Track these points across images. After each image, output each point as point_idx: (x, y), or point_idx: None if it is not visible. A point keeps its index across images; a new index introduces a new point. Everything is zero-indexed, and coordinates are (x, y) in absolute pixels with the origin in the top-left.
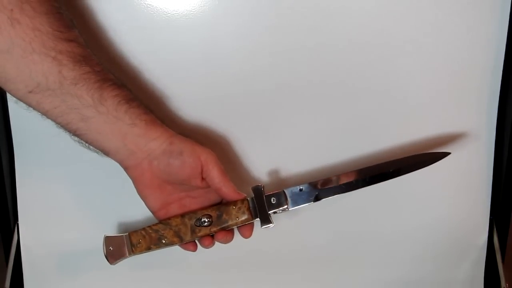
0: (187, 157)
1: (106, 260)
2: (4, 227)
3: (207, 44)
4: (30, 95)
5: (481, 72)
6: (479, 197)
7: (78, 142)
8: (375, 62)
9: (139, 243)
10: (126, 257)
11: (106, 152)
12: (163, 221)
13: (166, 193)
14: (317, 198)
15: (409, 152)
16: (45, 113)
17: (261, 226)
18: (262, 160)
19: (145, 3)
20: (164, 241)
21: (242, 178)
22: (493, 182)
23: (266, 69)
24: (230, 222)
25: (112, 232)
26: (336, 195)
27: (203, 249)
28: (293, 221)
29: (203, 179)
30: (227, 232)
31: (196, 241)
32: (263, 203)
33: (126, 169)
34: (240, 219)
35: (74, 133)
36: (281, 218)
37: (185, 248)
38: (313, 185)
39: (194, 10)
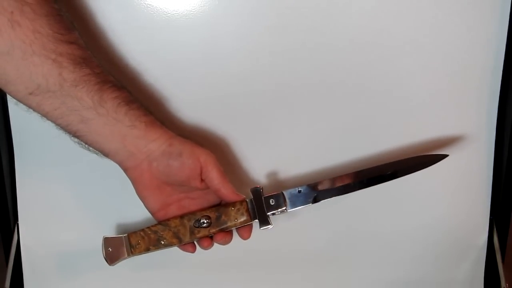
0: (187, 159)
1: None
2: (4, 227)
3: (207, 44)
4: (30, 97)
5: (481, 72)
6: (479, 197)
7: (78, 143)
8: (374, 62)
9: (138, 244)
10: (125, 258)
11: (105, 154)
12: (162, 222)
13: (165, 194)
14: (315, 200)
15: (409, 153)
16: (45, 115)
17: (260, 228)
18: (261, 162)
19: (145, 3)
20: (163, 242)
21: (241, 179)
22: (493, 182)
23: (266, 69)
24: (229, 224)
25: (112, 233)
26: (334, 197)
27: (202, 249)
28: (292, 222)
29: (202, 180)
30: (226, 233)
31: (195, 242)
32: (262, 204)
33: (125, 170)
34: (239, 221)
35: (74, 134)
36: (280, 219)
37: (184, 249)
38: (311, 187)
39: (194, 10)
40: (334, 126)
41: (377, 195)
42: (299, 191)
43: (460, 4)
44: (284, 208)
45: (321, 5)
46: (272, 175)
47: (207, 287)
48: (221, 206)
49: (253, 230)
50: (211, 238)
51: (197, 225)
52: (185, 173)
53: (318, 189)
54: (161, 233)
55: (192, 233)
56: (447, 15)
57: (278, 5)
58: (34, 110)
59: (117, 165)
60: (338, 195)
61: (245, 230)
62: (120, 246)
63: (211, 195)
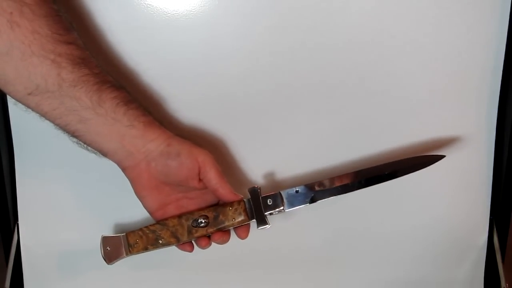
0: (185, 159)
1: None
2: (4, 227)
3: (206, 44)
4: (29, 97)
5: (481, 72)
6: (479, 197)
7: (77, 143)
8: (374, 62)
9: (136, 243)
10: (123, 257)
11: (104, 153)
12: (160, 222)
13: (164, 194)
14: (313, 200)
15: (409, 153)
16: (44, 115)
17: (257, 227)
18: (259, 162)
19: (145, 3)
20: (161, 242)
21: (239, 179)
22: (493, 182)
23: (265, 69)
24: (226, 223)
25: (112, 232)
26: (332, 197)
27: (200, 249)
28: (290, 222)
29: (200, 180)
30: (224, 233)
31: (193, 241)
32: (259, 204)
33: (124, 170)
34: (237, 220)
35: (72, 134)
36: (278, 219)
37: (182, 249)
38: (309, 187)
39: (194, 10)
40: (332, 126)
41: (376, 195)
42: (297, 191)
43: (460, 4)
44: (281, 208)
45: (321, 5)
46: (270, 175)
47: (204, 286)
48: (218, 206)
49: (250, 230)
50: (208, 237)
51: (195, 225)
52: (183, 173)
53: (316, 189)
54: (159, 232)
55: (190, 232)
56: (447, 15)
57: (278, 5)
58: (33, 110)
59: (116, 165)
60: (336, 195)
61: (242, 230)
62: (119, 245)
63: (209, 195)
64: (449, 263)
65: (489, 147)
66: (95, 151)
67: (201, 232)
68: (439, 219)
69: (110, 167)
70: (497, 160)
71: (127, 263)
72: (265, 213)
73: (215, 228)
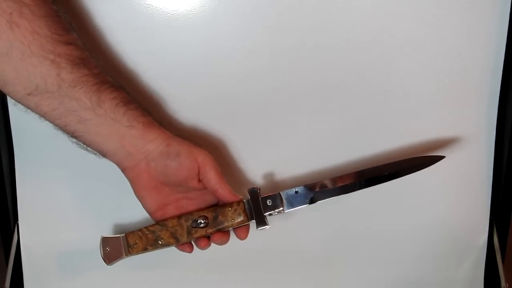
0: (184, 159)
1: None
2: (4, 227)
3: (206, 45)
4: (28, 97)
5: (481, 72)
6: (479, 197)
7: (76, 143)
8: (374, 62)
9: (136, 244)
10: (123, 257)
11: (104, 154)
12: (160, 222)
13: (163, 194)
14: (312, 201)
15: (409, 153)
16: (44, 115)
17: (257, 228)
18: (258, 162)
19: (145, 3)
20: (160, 242)
21: (239, 180)
22: (493, 182)
23: (265, 70)
24: (226, 224)
25: (111, 233)
26: (331, 198)
27: (200, 250)
28: (289, 223)
29: (199, 180)
30: (223, 234)
31: (192, 242)
32: (258, 205)
33: (123, 170)
34: (236, 221)
35: (72, 134)
36: (277, 220)
37: (181, 249)
38: (308, 187)
39: (194, 10)
40: (331, 126)
41: (376, 195)
42: (296, 192)
43: (460, 4)
44: (281, 208)
45: (321, 5)
46: (269, 176)
47: (204, 286)
48: (218, 206)
49: (250, 231)
50: (208, 238)
51: (194, 225)
52: (182, 174)
53: (315, 189)
54: (159, 233)
55: (189, 233)
56: (447, 15)
57: (278, 5)
58: (32, 110)
59: (115, 166)
60: (335, 196)
61: (242, 231)
62: (118, 246)
63: (208, 195)
64: (449, 263)
65: (489, 147)
66: (95, 152)
67: (200, 232)
68: (439, 219)
69: (109, 167)
70: (497, 160)
71: (127, 264)
72: (265, 214)
73: (214, 229)
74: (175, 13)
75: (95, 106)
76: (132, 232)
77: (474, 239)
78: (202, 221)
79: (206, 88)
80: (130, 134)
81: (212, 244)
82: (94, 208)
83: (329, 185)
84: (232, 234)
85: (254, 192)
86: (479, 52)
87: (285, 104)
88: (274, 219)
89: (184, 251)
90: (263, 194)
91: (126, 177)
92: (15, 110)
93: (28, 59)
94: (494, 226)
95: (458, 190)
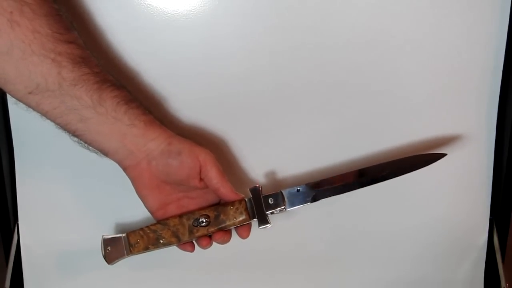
0: (185, 158)
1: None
2: (4, 227)
3: (206, 44)
4: (29, 96)
5: (481, 72)
6: (479, 197)
7: (78, 142)
8: (374, 62)
9: (137, 243)
10: (124, 257)
11: (105, 153)
12: (161, 221)
13: (165, 193)
14: (314, 199)
15: (409, 152)
16: (45, 114)
17: (259, 227)
18: (260, 161)
19: (145, 3)
20: (162, 241)
21: (240, 178)
22: (493, 182)
23: (265, 69)
24: (227, 223)
25: (112, 232)
26: (333, 196)
27: (201, 249)
28: (291, 221)
29: (201, 179)
30: (225, 233)
31: (194, 241)
32: (260, 203)
33: (125, 169)
34: (238, 220)
35: (73, 133)
36: (279, 218)
37: (182, 249)
38: (310, 185)
39: (194, 10)
40: (333, 125)
41: (376, 194)
42: (298, 190)
43: (460, 4)
44: (283, 207)
45: (320, 5)
46: (271, 174)
47: (206, 286)
48: (220, 205)
49: (252, 229)
50: (210, 237)
51: (196, 224)
52: (184, 172)
53: (317, 188)
54: (160, 232)
55: (191, 232)
56: (447, 15)
57: (278, 5)
58: (33, 109)
59: (116, 165)
60: (337, 194)
61: (244, 230)
62: (119, 246)
63: (210, 194)
64: (449, 263)
65: (489, 147)
66: (96, 151)
67: (202, 231)
68: (439, 219)
69: (110, 167)
70: (497, 160)
71: (128, 263)
72: (267, 212)
73: (216, 228)
74: (176, 13)
75: (96, 104)
76: (134, 231)
77: (474, 239)
78: (204, 220)
79: (207, 87)
80: (131, 133)
81: (214, 243)
82: (95, 208)
83: (331, 183)
84: (234, 233)
85: (255, 191)
86: (479, 52)
87: (286, 103)
88: (275, 218)
89: (185, 250)
90: (265, 192)
91: (128, 176)
92: (15, 110)
93: (28, 57)
94: (494, 226)
95: (458, 190)
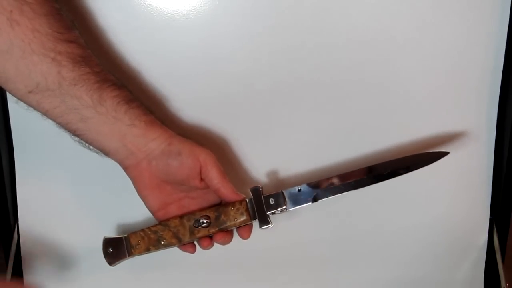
0: (186, 158)
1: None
2: (4, 227)
3: (207, 44)
4: (30, 95)
5: (481, 72)
6: (479, 197)
7: (78, 142)
8: (374, 62)
9: (138, 244)
10: (126, 258)
11: (105, 152)
12: (162, 222)
13: (165, 193)
14: (315, 199)
15: (409, 152)
16: (45, 113)
17: (260, 227)
18: (261, 161)
19: (145, 3)
20: (163, 242)
21: (241, 179)
22: (493, 182)
23: (266, 69)
24: (228, 223)
25: (112, 233)
26: (334, 196)
27: (202, 250)
28: (292, 221)
29: (202, 179)
30: (226, 233)
31: (195, 242)
32: (261, 204)
33: (125, 169)
34: (239, 220)
35: (74, 133)
36: (280, 219)
37: (184, 250)
38: (311, 185)
39: (194, 10)
40: (334, 125)
41: (377, 194)
42: (299, 190)
43: (460, 4)
44: (284, 207)
45: (321, 5)
46: (272, 174)
47: (206, 286)
48: (220, 205)
49: (253, 230)
50: (210, 238)
51: (196, 225)
52: (184, 172)
53: (318, 188)
54: (161, 233)
55: (191, 233)
56: (447, 15)
57: (278, 5)
58: (34, 108)
59: (117, 165)
60: (339, 194)
61: (245, 230)
62: (120, 247)
63: (211, 194)
64: (449, 263)
65: (489, 147)
66: (97, 150)
67: (203, 232)
68: (439, 218)
69: (111, 167)
70: (497, 160)
71: (128, 264)
72: (268, 213)
73: (217, 228)
74: (176, 13)
75: (96, 104)
76: (134, 232)
77: (474, 239)
78: (205, 221)
79: (207, 87)
80: (132, 133)
81: (215, 244)
82: (95, 208)
83: (332, 183)
84: (235, 234)
85: (256, 191)
86: (479, 52)
87: (287, 102)
88: (277, 219)
89: (186, 251)
90: (266, 193)
91: (128, 176)
92: (15, 110)
93: (28, 57)
94: (494, 226)
95: (458, 190)
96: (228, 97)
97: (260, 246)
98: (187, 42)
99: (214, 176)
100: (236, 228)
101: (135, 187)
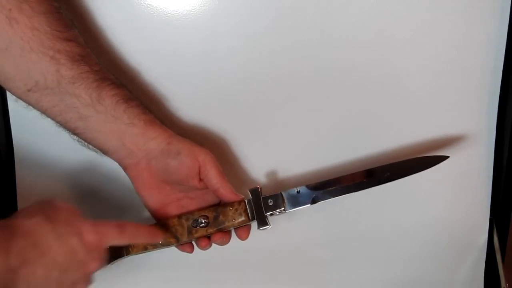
0: (185, 157)
1: None
2: None
3: (207, 44)
4: (29, 93)
5: (481, 72)
6: (479, 197)
7: (78, 140)
8: (374, 62)
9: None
10: (123, 257)
11: (105, 151)
12: (161, 222)
13: (164, 193)
14: (314, 201)
15: (409, 153)
16: (44, 112)
17: (258, 228)
18: (260, 162)
19: (145, 3)
20: (160, 242)
21: (240, 179)
22: (493, 182)
23: (265, 69)
24: (226, 224)
25: None
26: (333, 198)
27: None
28: (291, 222)
29: (200, 179)
30: (224, 234)
31: (193, 242)
32: (260, 205)
33: (124, 168)
34: (237, 221)
35: (73, 131)
36: (279, 220)
37: (181, 250)
38: (310, 187)
39: (194, 10)
40: (333, 126)
41: (376, 195)
42: (298, 192)
43: (460, 4)
44: (282, 208)
45: (320, 5)
46: (272, 175)
47: (205, 286)
48: (219, 206)
49: (251, 231)
50: (209, 238)
51: (195, 225)
52: (183, 172)
53: (317, 190)
54: None
55: (190, 233)
56: (447, 15)
57: (277, 4)
58: (33, 107)
59: (116, 164)
60: (337, 196)
61: (243, 231)
62: (118, 246)
63: (210, 195)
64: (449, 263)
65: (489, 147)
66: (96, 150)
67: (201, 232)
68: (439, 218)
69: (110, 166)
70: (497, 160)
71: (127, 263)
72: (266, 214)
73: (215, 229)
74: (176, 13)
75: (95, 103)
76: None
77: (474, 239)
78: (203, 221)
79: (207, 87)
80: (131, 132)
81: (213, 245)
82: (94, 208)
83: (331, 185)
84: (233, 234)
85: (255, 192)
86: (479, 52)
87: (286, 103)
88: (274, 220)
89: (184, 251)
90: (265, 193)
91: (128, 176)
92: (15, 110)
93: (27, 55)
94: (494, 226)
95: (458, 190)
96: (227, 97)
97: (258, 247)
98: (186, 41)
99: (213, 176)
100: (234, 228)
101: (134, 186)
